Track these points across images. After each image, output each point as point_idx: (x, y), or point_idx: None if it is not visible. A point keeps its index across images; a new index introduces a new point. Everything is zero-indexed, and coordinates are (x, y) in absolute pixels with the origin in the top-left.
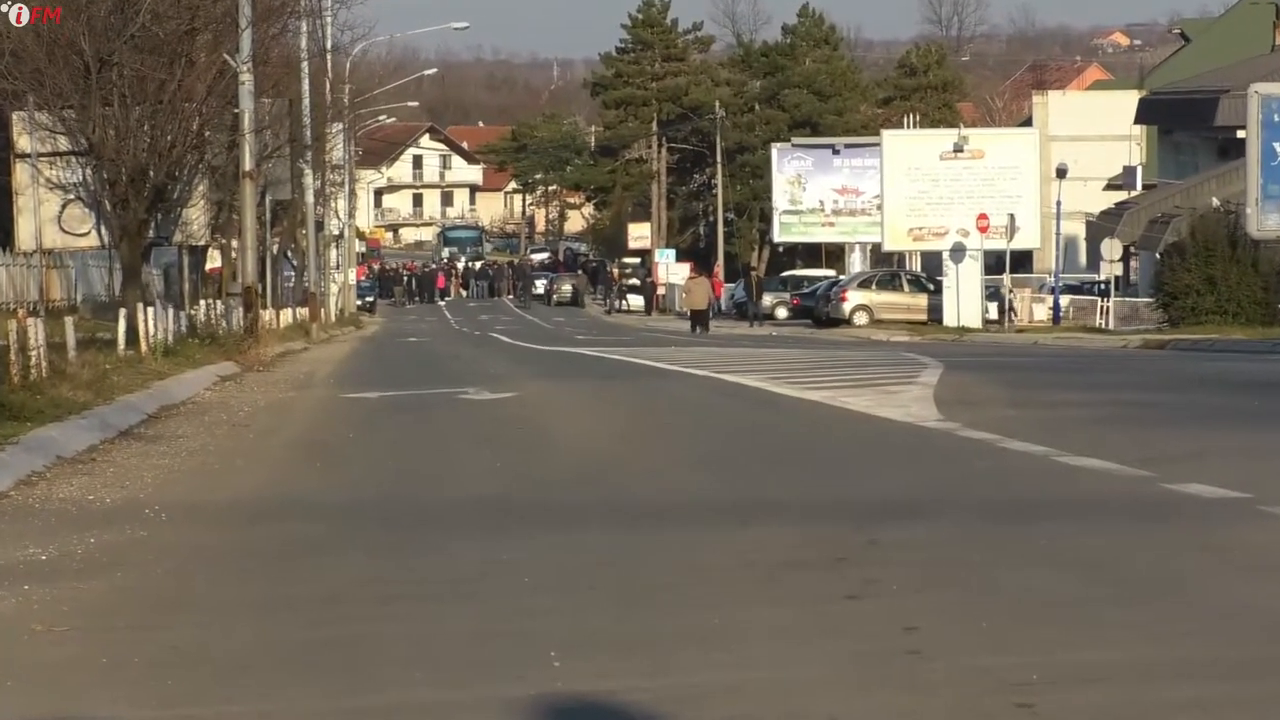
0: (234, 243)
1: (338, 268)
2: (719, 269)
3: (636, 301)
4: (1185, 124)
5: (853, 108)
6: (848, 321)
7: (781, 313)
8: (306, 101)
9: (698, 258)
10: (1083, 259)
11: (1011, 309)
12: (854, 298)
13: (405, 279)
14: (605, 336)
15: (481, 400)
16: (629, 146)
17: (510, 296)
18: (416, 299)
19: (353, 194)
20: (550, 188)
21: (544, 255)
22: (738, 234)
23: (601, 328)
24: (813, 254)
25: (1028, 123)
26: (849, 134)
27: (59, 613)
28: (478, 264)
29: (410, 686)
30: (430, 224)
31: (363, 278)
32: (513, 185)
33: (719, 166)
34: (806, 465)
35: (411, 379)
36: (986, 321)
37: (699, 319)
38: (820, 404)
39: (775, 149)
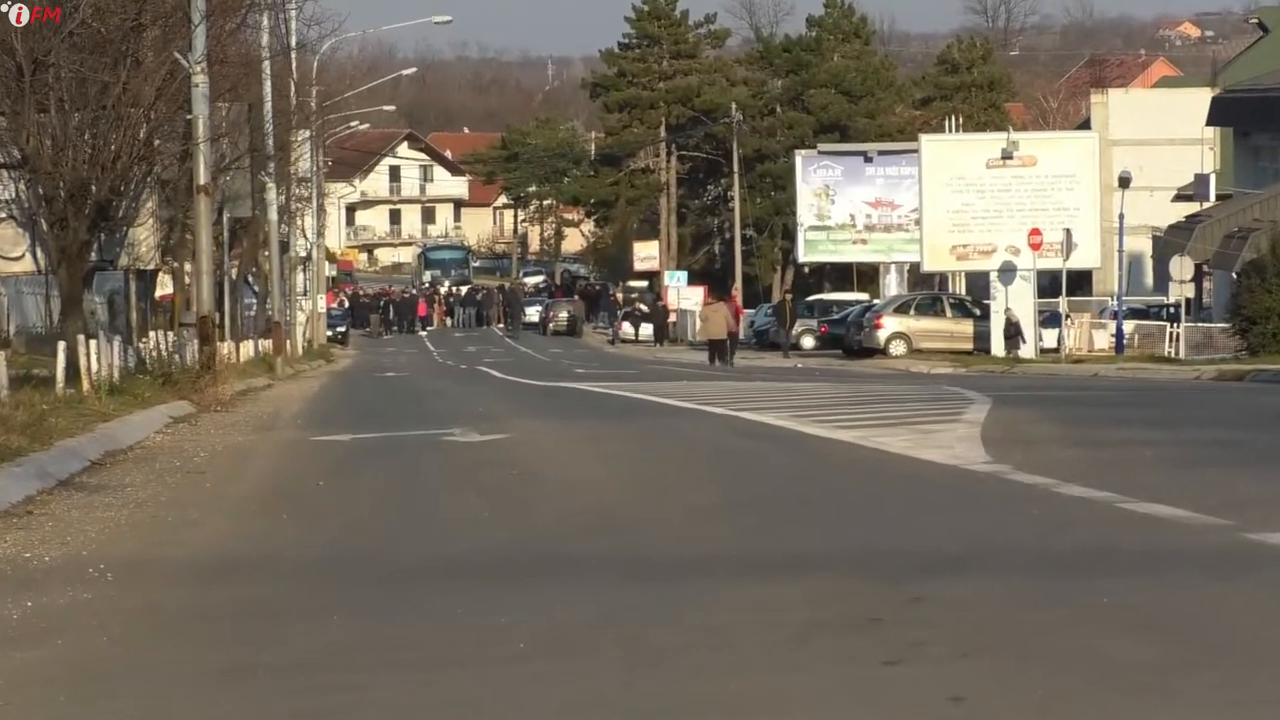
0: (187, 266)
1: (305, 294)
2: (737, 293)
3: (644, 331)
4: (1264, 125)
5: (887, 109)
6: (883, 351)
7: (808, 341)
8: (269, 106)
9: (712, 280)
10: (1149, 279)
11: (1066, 336)
12: (890, 324)
13: (381, 306)
14: (608, 370)
15: (469, 443)
16: (634, 155)
17: (500, 325)
18: (394, 329)
19: (322, 210)
20: (545, 202)
21: (538, 278)
22: (757, 253)
23: (604, 360)
24: (842, 275)
25: (1086, 125)
26: (883, 139)
27: None
28: (464, 289)
29: None
30: (409, 243)
31: (333, 305)
32: (503, 199)
33: (736, 177)
34: (837, 514)
35: (389, 419)
36: (1040, 350)
37: (718, 349)
38: (852, 445)
39: (799, 157)
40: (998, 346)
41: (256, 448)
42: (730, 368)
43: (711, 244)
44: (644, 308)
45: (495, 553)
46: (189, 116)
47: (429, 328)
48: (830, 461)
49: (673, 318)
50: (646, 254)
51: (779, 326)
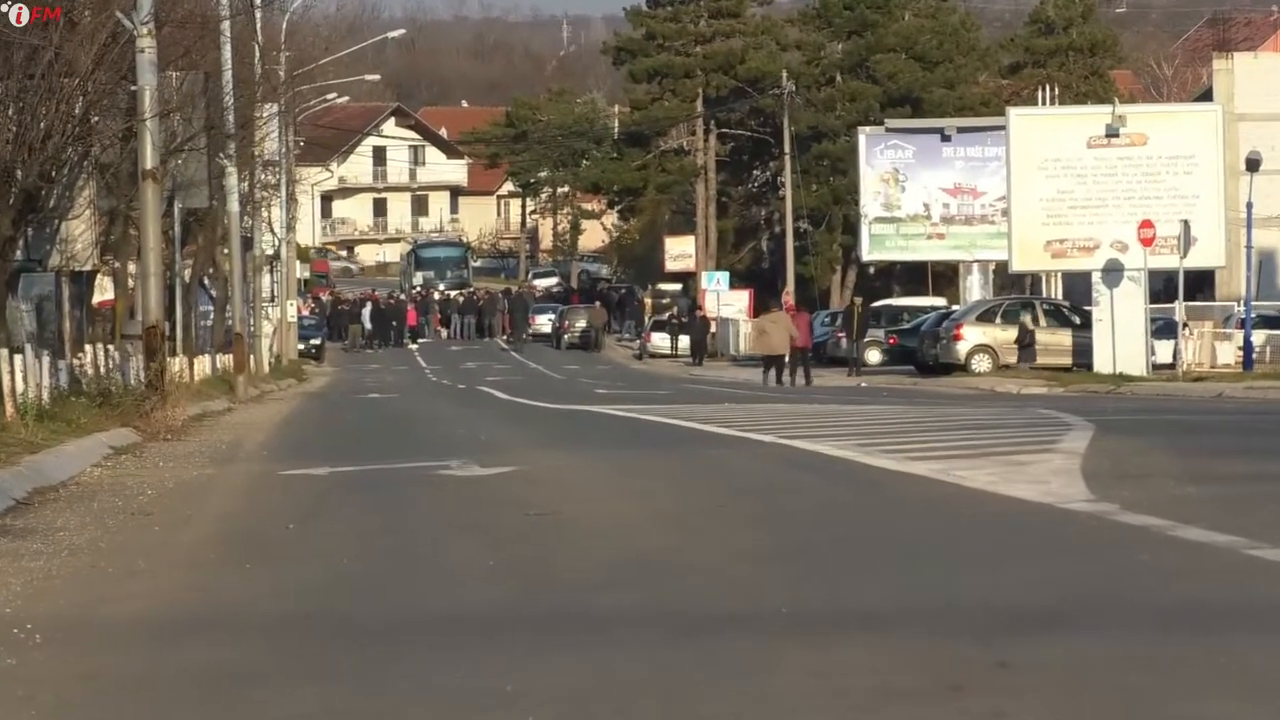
0: (131, 267)
1: (272, 300)
2: (789, 297)
3: (681, 344)
4: None
5: (968, 78)
6: (963, 367)
7: (874, 356)
8: (228, 75)
9: (759, 282)
10: None
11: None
12: (972, 335)
13: (364, 313)
14: (636, 390)
15: (470, 477)
16: (665, 133)
17: (505, 336)
18: (379, 341)
19: (292, 200)
20: (559, 190)
21: (551, 281)
22: (813, 251)
23: (630, 379)
24: (914, 277)
25: (1207, 96)
26: (963, 114)
27: None
28: (462, 293)
29: None
30: (397, 239)
31: (307, 313)
32: (508, 187)
33: (787, 160)
34: (909, 561)
35: (373, 449)
36: (1153, 366)
37: (776, 366)
38: (927, 479)
39: (864, 135)
40: (1103, 359)
41: (214, 484)
42: (806, 388)
43: (758, 239)
44: (680, 317)
45: (501, 608)
46: (133, 88)
47: (421, 340)
48: (900, 499)
49: (712, 328)
50: (680, 251)
51: (848, 338)
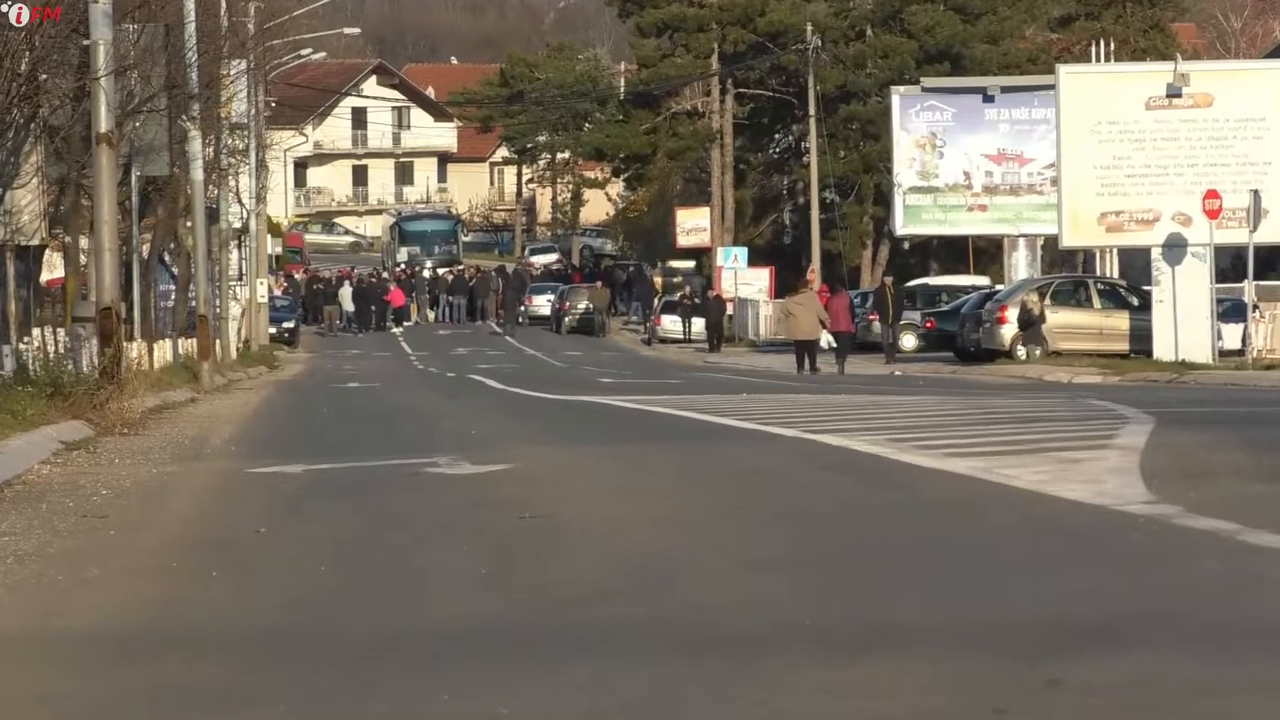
0: (84, 242)
1: (241, 279)
2: (814, 275)
3: (695, 327)
4: None
5: (1014, 32)
6: (1008, 354)
7: (909, 341)
8: (192, 28)
9: (781, 259)
10: None
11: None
12: (1018, 319)
13: (342, 292)
14: (644, 379)
15: (459, 475)
16: (677, 94)
17: (497, 318)
18: (358, 325)
19: (263, 167)
20: (559, 156)
21: (550, 257)
22: (841, 224)
23: (638, 366)
24: (953, 253)
25: (1278, 53)
26: (1008, 71)
27: None
28: (451, 271)
29: None
30: (379, 210)
31: (279, 293)
32: (502, 153)
33: (812, 123)
34: (947, 570)
35: (353, 444)
36: (1220, 353)
37: (808, 353)
38: (968, 478)
39: (897, 95)
40: (1164, 345)
41: (176, 483)
42: (838, 377)
43: (779, 211)
44: (693, 297)
45: (493, 621)
46: (85, 42)
47: (406, 323)
48: (937, 500)
49: (729, 310)
50: (693, 224)
51: (880, 321)
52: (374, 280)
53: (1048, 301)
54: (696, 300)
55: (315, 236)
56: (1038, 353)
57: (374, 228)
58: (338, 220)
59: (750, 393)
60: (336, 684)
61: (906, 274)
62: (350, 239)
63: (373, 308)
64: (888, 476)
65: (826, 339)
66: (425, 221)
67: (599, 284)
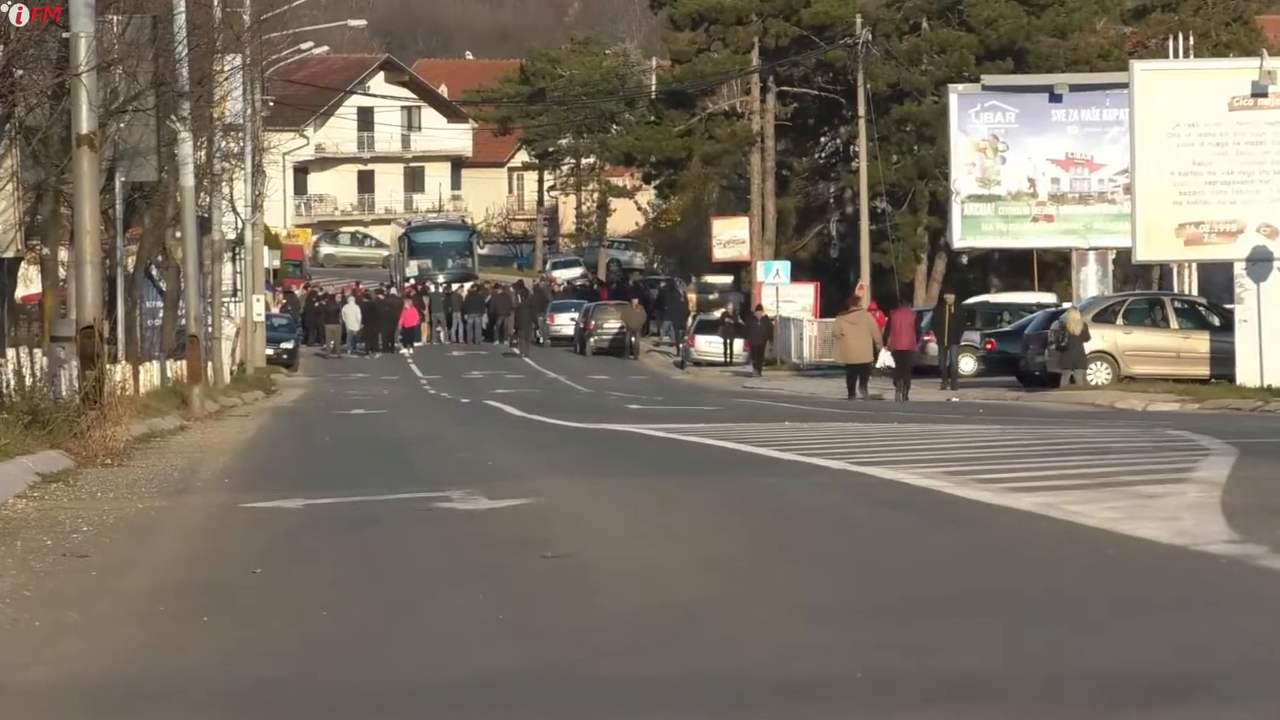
0: (63, 254)
1: (235, 295)
2: (864, 291)
3: (735, 348)
4: None
5: (1083, 25)
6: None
7: (967, 365)
8: (182, 20)
9: (827, 274)
10: None
11: None
12: (1053, 338)
13: (346, 310)
14: (677, 406)
15: (474, 511)
16: (714, 93)
17: (510, 339)
18: (364, 345)
19: (259, 172)
20: (584, 161)
21: (574, 272)
22: (893, 235)
23: (671, 391)
24: (1016, 268)
25: None
26: (1076, 68)
27: None
28: (465, 287)
29: None
30: (387, 220)
31: (277, 310)
32: (522, 157)
33: (862, 125)
34: (1013, 616)
35: (358, 476)
36: None
37: (860, 377)
38: (1033, 515)
39: (955, 94)
40: (1248, 369)
41: (164, 519)
42: (900, 403)
43: (825, 222)
44: (735, 315)
45: (513, 674)
46: (65, 35)
47: (416, 344)
48: (1000, 540)
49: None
50: (731, 236)
51: (937, 342)
52: (383, 296)
53: (1120, 321)
54: (738, 319)
55: (343, 249)
56: (1077, 379)
57: (381, 239)
58: (350, 228)
59: (793, 420)
60: None
61: (965, 290)
62: (385, 252)
63: (382, 325)
64: (945, 513)
65: (885, 358)
66: (437, 232)
67: (634, 302)
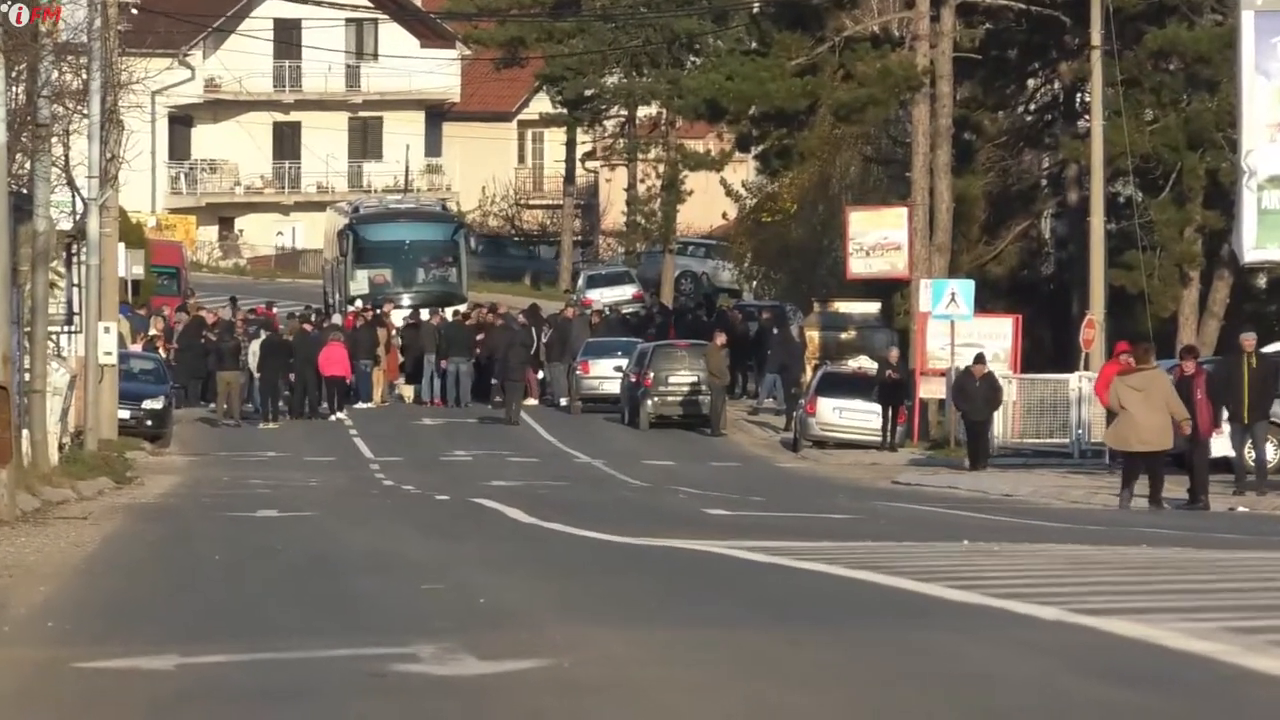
0: None
1: (70, 322)
2: (1093, 325)
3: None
4: None
5: None
6: None
7: (1272, 451)
8: None
9: (1035, 299)
10: None
11: None
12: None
13: (250, 349)
14: (784, 512)
15: (456, 679)
16: (855, 5)
17: (494, 399)
18: (277, 405)
19: (114, 123)
20: (641, 113)
21: (622, 292)
22: (1146, 240)
23: (773, 485)
24: None
25: None
26: None
27: None
28: (445, 313)
29: None
30: (321, 202)
31: (139, 347)
32: (541, 106)
33: (1096, 60)
34: None
35: (267, 619)
36: None
37: (1151, 471)
38: None
39: (1251, 11)
40: None
41: None
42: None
43: (1033, 216)
44: (894, 369)
45: None
46: None
47: (363, 403)
48: None
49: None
50: (879, 237)
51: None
52: (307, 329)
53: None
54: (897, 375)
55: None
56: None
57: (311, 233)
58: (262, 215)
59: (979, 542)
60: None
61: (1264, 330)
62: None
63: (305, 374)
64: (1227, 700)
65: (1217, 445)
66: (401, 224)
67: (718, 340)
